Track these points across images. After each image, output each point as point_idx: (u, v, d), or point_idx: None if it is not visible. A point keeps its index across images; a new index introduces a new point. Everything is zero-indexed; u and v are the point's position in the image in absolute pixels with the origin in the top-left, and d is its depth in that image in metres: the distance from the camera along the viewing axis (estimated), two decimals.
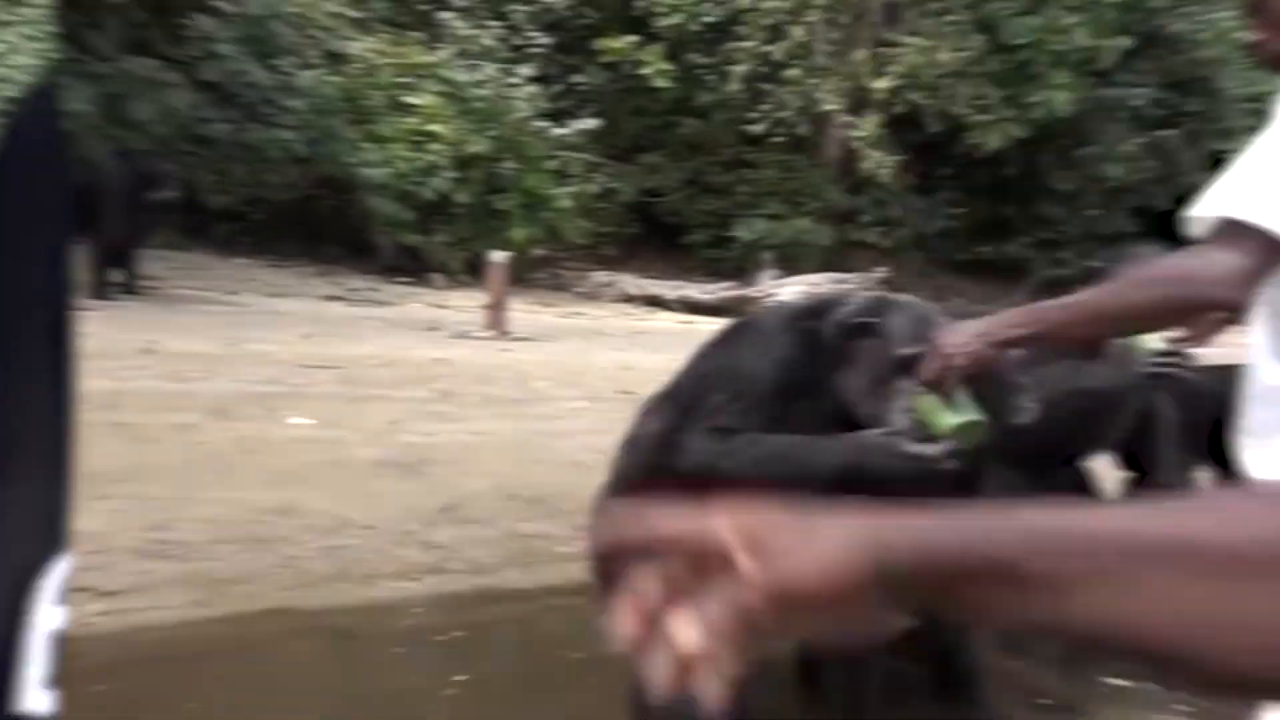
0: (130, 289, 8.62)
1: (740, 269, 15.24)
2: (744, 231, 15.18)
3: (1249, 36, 2.05)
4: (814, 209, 15.65)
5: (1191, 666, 0.59)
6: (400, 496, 4.63)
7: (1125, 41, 14.36)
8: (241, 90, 10.67)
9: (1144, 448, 4.16)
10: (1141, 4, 14.57)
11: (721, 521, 0.61)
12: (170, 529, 3.96)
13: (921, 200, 16.62)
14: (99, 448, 4.65)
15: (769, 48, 14.59)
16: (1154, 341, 3.33)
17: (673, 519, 0.62)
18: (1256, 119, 1.81)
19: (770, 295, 12.36)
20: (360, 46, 12.35)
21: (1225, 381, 1.96)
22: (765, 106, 14.96)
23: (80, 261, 8.33)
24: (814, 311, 2.78)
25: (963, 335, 2.34)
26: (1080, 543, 0.59)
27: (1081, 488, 4.09)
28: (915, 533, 0.60)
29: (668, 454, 2.77)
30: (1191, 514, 0.61)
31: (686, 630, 0.60)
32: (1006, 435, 2.88)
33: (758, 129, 15.09)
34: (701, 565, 0.60)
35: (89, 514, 3.95)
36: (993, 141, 14.78)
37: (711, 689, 0.61)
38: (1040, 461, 3.57)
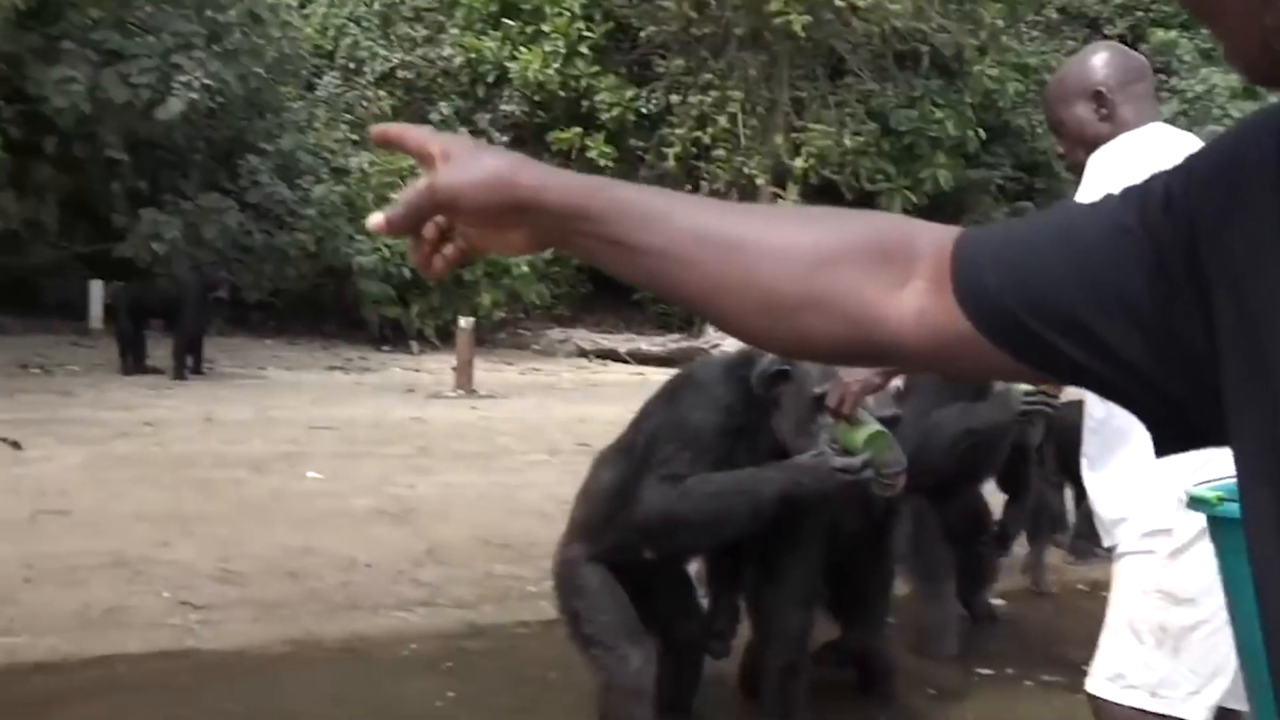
0: (198, 370, 9.59)
1: (688, 321, 15.55)
2: None
3: (1058, 147, 2.40)
4: None
5: (717, 321, 0.73)
6: (393, 540, 4.92)
7: (982, 133, 15.74)
8: (273, 206, 12.23)
9: (1018, 473, 4.47)
10: (992, 103, 15.94)
11: (433, 138, 0.76)
12: (232, 562, 4.44)
13: None
14: (183, 496, 5.35)
15: (698, 133, 15.11)
16: (1025, 384, 3.63)
17: (416, 134, 0.78)
18: None
19: (716, 345, 12.62)
20: (358, 161, 13.57)
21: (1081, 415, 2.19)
22: (701, 181, 15.44)
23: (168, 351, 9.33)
24: (745, 362, 2.89)
25: (858, 369, 2.63)
26: (650, 220, 0.71)
27: (975, 509, 4.39)
28: (544, 173, 0.73)
29: (622, 503, 2.97)
30: (709, 209, 0.73)
31: (397, 206, 0.78)
32: (914, 469, 3.12)
33: None
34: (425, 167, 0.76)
35: (182, 547, 4.53)
36: (895, 207, 15.55)
37: (417, 257, 0.79)
38: (942, 489, 3.84)
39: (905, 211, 15.71)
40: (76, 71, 10.24)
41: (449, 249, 0.78)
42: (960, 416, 3.62)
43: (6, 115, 10.48)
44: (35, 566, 4.21)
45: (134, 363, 9.45)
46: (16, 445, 6.25)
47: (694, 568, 3.43)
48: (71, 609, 3.87)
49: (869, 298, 0.68)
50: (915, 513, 3.72)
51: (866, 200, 15.83)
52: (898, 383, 3.20)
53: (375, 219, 0.77)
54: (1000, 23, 16.10)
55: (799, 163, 15.03)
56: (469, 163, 0.73)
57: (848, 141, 15.00)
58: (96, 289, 10.97)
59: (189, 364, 9.47)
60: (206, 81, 10.82)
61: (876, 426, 2.68)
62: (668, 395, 3.01)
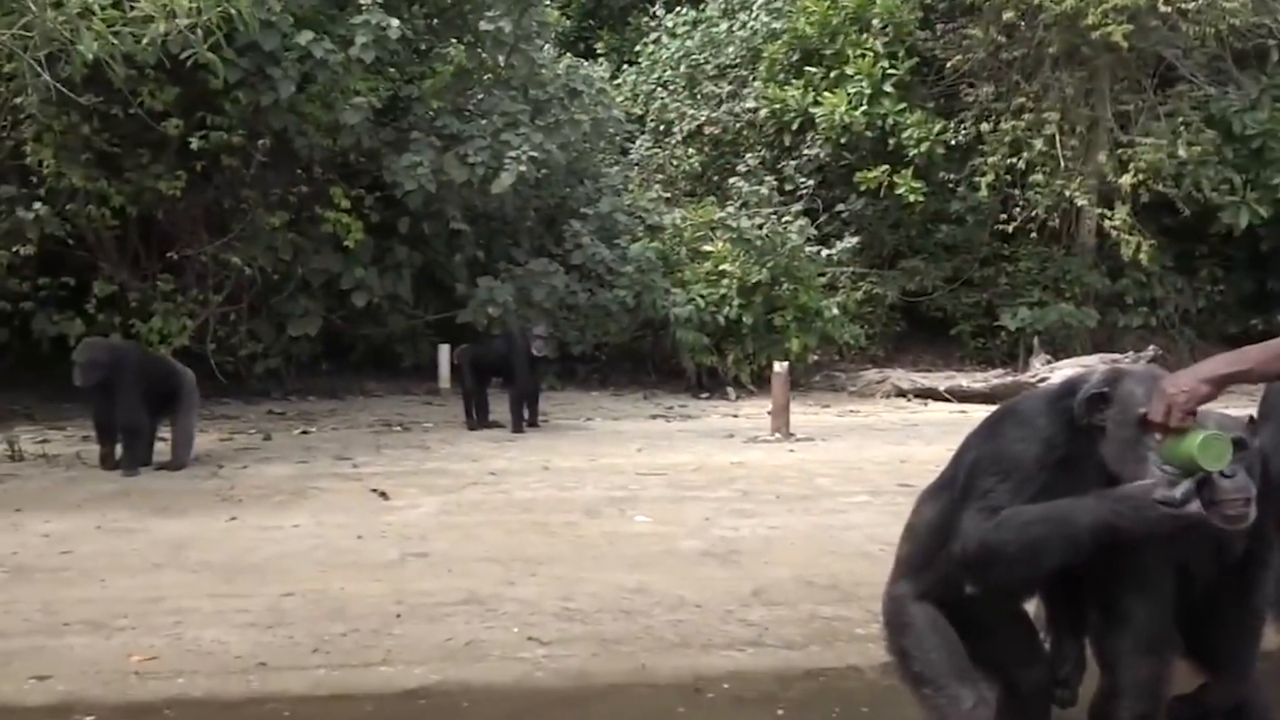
0: (534, 423, 10.23)
1: (1010, 355, 14.93)
2: (1009, 320, 14.87)
3: None
4: (1076, 294, 15.15)
5: None
6: (719, 581, 5.04)
7: None
8: (594, 266, 12.99)
9: None
10: None
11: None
12: (572, 600, 4.73)
13: (1182, 279, 15.73)
14: (526, 539, 5.76)
15: (1012, 159, 14.51)
16: None
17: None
18: None
19: (1043, 379, 12.00)
20: (670, 218, 14.20)
21: None
22: (1016, 209, 14.79)
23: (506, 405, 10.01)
24: (1068, 393, 2.80)
25: (1182, 378, 2.44)
26: None
27: None
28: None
29: (943, 539, 2.90)
30: None
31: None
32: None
33: (1010, 227, 14.87)
34: None
35: (526, 586, 4.89)
36: (1241, 221, 14.29)
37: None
38: None
39: (1252, 224, 14.35)
40: (422, 157, 11.38)
41: None
42: None
43: (368, 203, 11.81)
44: (404, 603, 4.68)
45: (478, 418, 10.24)
46: (384, 495, 6.97)
47: (1035, 610, 3.28)
48: (435, 642, 4.26)
49: None
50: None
51: (1206, 214, 14.54)
52: (1250, 411, 2.93)
53: None
54: None
55: (1127, 179, 14.02)
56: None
57: (1183, 152, 13.80)
58: (444, 353, 12.03)
59: (526, 417, 10.13)
60: (532, 154, 11.68)
61: (1210, 431, 2.43)
62: (988, 429, 2.94)
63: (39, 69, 5.92)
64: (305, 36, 10.26)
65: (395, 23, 10.77)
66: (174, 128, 10.20)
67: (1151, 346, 13.86)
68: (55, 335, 10.60)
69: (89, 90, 9.05)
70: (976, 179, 14.60)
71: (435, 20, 13.09)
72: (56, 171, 9.97)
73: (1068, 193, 14.31)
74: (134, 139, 10.53)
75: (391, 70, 12.03)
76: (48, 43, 5.34)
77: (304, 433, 9.79)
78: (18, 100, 9.60)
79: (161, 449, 8.09)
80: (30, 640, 4.22)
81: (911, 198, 14.42)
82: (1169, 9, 13.42)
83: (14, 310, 10.38)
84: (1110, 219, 14.33)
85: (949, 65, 15.16)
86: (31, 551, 5.49)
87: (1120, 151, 14.37)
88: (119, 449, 7.79)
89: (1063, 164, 14.38)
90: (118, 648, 4.16)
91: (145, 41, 5.43)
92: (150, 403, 7.89)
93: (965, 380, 13.56)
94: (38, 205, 9.85)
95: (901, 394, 13.51)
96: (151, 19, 5.29)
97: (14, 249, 9.78)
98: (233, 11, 5.66)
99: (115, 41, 5.30)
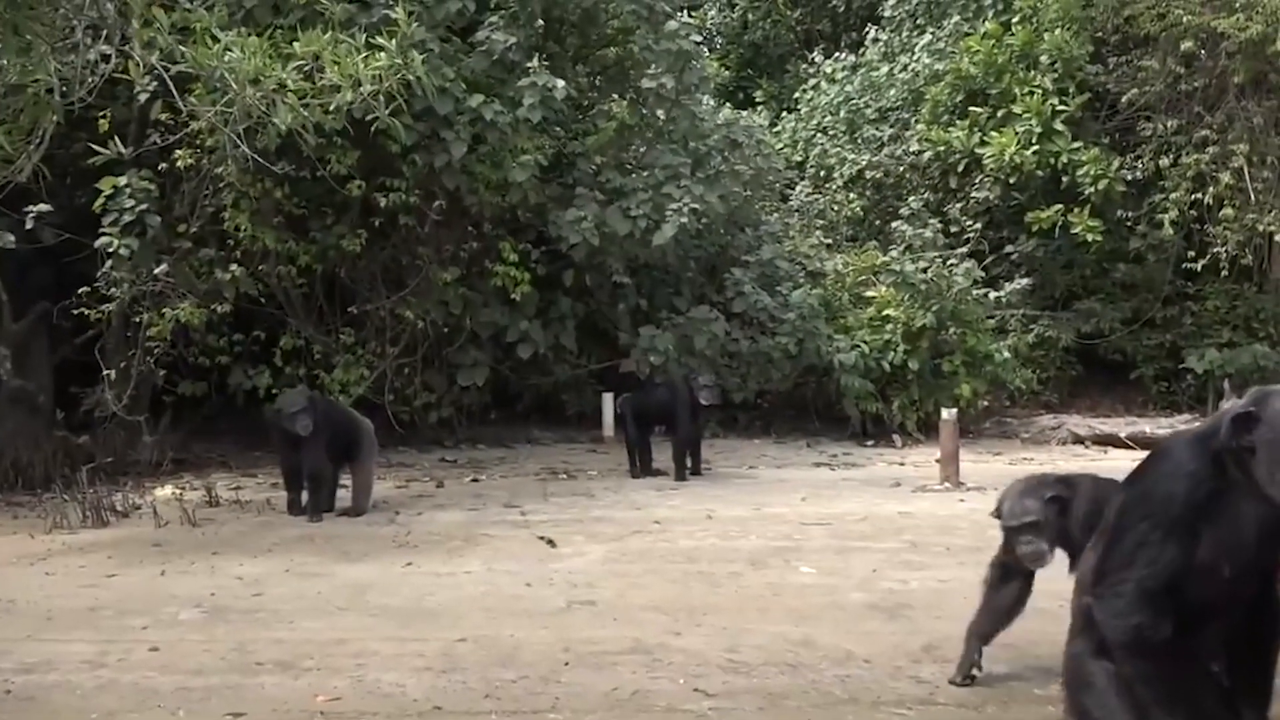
0: (696, 471, 10.26)
1: (1198, 400, 14.13)
2: (1196, 362, 14.08)
3: None
4: (1271, 333, 14.25)
5: None
6: (888, 636, 4.95)
7: None
8: (756, 313, 12.99)
9: None
10: None
11: None
12: (737, 652, 4.72)
13: None
14: (691, 588, 5.80)
15: (1197, 194, 13.80)
16: None
17: None
18: None
19: None
20: (832, 263, 14.21)
21: None
22: (1211, 246, 14.01)
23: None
24: (1214, 430, 2.75)
25: None
26: None
27: None
28: None
29: None
30: None
31: None
32: None
33: (1197, 265, 14.09)
34: None
35: (691, 636, 4.92)
36: None
37: None
38: None
39: None
40: (586, 211, 11.69)
41: None
42: None
43: (534, 257, 12.19)
44: (571, 651, 4.76)
45: (641, 466, 10.35)
46: (552, 543, 7.12)
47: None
48: (602, 691, 4.31)
49: None
50: None
51: None
52: None
53: None
54: None
55: None
56: None
57: None
58: (608, 401, 12.23)
59: (689, 465, 10.17)
60: (693, 206, 11.84)
61: None
62: (1140, 471, 2.90)
63: (238, 141, 6.38)
64: (476, 100, 10.73)
65: (560, 83, 11.15)
66: (356, 189, 10.80)
67: None
68: (249, 388, 11.30)
69: (281, 158, 9.70)
70: (1159, 215, 13.96)
71: (598, 78, 13.48)
72: (251, 234, 10.69)
73: (1260, 227, 13.53)
74: (319, 201, 11.22)
75: (556, 128, 12.43)
76: (246, 117, 5.75)
77: (474, 480, 10.10)
78: (218, 170, 10.37)
79: (343, 495, 8.50)
80: (226, 678, 4.48)
81: (1088, 237, 13.90)
82: None
83: (212, 365, 11.12)
84: None
85: (1124, 99, 14.61)
86: (227, 593, 5.84)
87: None
88: (304, 495, 8.22)
89: (1253, 197, 13.61)
90: (304, 688, 4.37)
91: (333, 109, 5.79)
92: (332, 451, 8.31)
93: (1149, 426, 12.87)
94: (234, 267, 10.58)
95: (1079, 441, 12.95)
96: (338, 88, 5.65)
97: (212, 307, 10.50)
98: (411, 79, 5.97)
99: (305, 113, 5.65)
